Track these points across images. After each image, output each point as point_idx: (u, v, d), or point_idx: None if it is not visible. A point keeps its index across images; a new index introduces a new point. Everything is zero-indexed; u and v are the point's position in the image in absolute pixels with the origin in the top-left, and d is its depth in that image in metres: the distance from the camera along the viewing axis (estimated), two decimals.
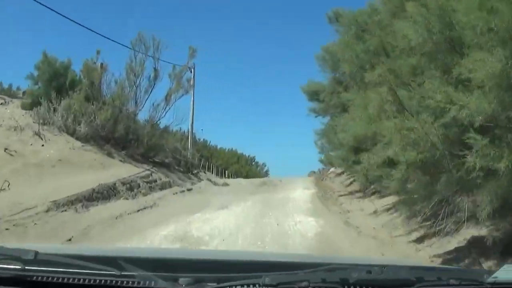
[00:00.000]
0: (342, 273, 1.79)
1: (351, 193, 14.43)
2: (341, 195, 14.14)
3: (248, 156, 74.68)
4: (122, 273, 1.74)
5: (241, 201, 13.99)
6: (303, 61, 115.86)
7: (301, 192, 16.01)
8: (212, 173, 53.46)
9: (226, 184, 22.85)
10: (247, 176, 68.68)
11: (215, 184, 22.65)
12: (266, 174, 76.97)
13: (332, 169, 22.65)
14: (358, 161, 11.55)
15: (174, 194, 16.88)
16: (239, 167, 68.06)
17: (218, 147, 70.53)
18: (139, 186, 18.80)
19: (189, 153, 40.21)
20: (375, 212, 10.73)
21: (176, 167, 24.99)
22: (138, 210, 13.08)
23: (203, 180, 24.72)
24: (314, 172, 34.91)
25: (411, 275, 1.83)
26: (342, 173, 20.20)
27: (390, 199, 10.67)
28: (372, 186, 12.91)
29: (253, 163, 75.16)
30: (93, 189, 15.62)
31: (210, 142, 67.22)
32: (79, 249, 3.48)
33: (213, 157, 64.34)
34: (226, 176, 57.80)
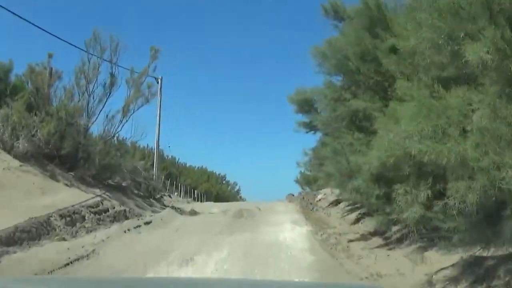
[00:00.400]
0: None
1: (364, 236, 10.48)
2: (351, 240, 10.24)
3: (219, 174, 70.61)
4: None
5: (214, 247, 10.01)
6: (278, 76, 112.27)
7: (291, 231, 12.11)
8: (180, 193, 49.31)
9: (194, 213, 18.82)
10: (217, 196, 64.76)
11: (181, 212, 18.57)
12: (237, 193, 73.34)
13: (320, 196, 18.86)
14: (386, 196, 7.75)
15: (126, 231, 12.80)
16: (209, 186, 64.06)
17: (188, 164, 66.44)
18: (84, 219, 14.67)
19: (154, 173, 36.43)
20: (430, 284, 6.72)
21: (136, 191, 20.83)
22: (67, 264, 9.00)
23: (167, 207, 20.61)
24: (292, 195, 31.06)
25: None
26: (337, 202, 16.44)
27: (447, 258, 6.81)
28: (395, 228, 9.13)
29: (224, 181, 71.10)
30: (16, 227, 11.65)
31: (178, 159, 63.05)
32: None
33: (181, 175, 60.29)
34: (195, 196, 53.66)
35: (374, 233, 10.18)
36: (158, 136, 36.75)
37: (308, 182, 48.42)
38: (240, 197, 74.55)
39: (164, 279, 5.58)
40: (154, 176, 35.18)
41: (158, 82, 36.79)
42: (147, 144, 56.34)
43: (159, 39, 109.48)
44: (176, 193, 46.78)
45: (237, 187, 73.23)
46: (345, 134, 9.89)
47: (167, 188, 46.38)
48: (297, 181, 51.49)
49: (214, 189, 64.32)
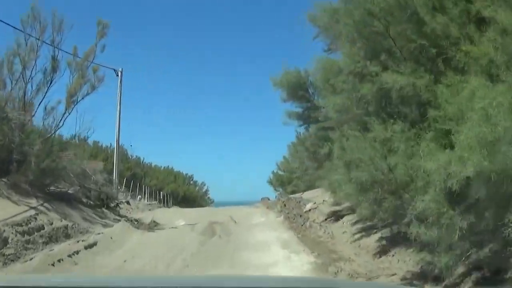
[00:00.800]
0: None
1: (406, 280, 6.73)
2: None
3: (186, 174, 66.70)
4: None
5: None
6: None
7: (286, 262, 8.42)
8: (145, 195, 45.32)
9: (154, 226, 15.20)
10: (184, 197, 60.89)
11: (138, 226, 14.92)
12: (205, 194, 69.59)
13: (310, 205, 15.29)
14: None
15: (53, 264, 9.12)
16: (176, 186, 60.19)
17: (153, 164, 62.42)
18: (6, 242, 10.96)
19: (114, 175, 32.59)
20: None
21: (85, 200, 17.02)
22: None
23: (123, 217, 16.90)
24: (268, 199, 27.57)
25: None
26: (338, 215, 13.13)
27: None
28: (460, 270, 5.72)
29: (192, 182, 67.22)
30: None
31: (144, 159, 58.98)
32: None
33: (147, 176, 56.24)
34: (161, 197, 49.72)
35: (421, 275, 6.60)
36: (118, 134, 32.88)
37: (282, 183, 45.16)
38: (209, 197, 70.93)
39: (165, 278, 4.95)
40: (115, 179, 31.46)
41: (118, 75, 33.03)
42: (110, 144, 52.44)
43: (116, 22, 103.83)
44: (139, 196, 42.77)
45: (205, 188, 69.52)
46: (375, 125, 6.42)
47: (130, 190, 42.47)
48: (270, 182, 48.15)
49: (181, 190, 60.46)
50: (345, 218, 11.87)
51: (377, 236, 9.05)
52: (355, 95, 6.93)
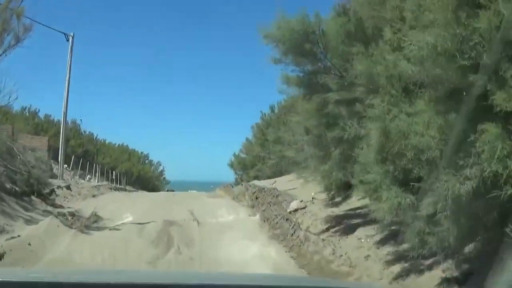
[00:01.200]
0: None
1: None
2: None
3: (142, 153, 62.64)
4: None
5: None
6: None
7: None
8: (96, 175, 41.33)
9: (94, 222, 11.77)
10: (138, 177, 56.93)
11: (71, 223, 11.39)
12: (161, 174, 65.76)
13: (295, 204, 11.77)
14: None
15: None
16: (131, 165, 56.19)
17: (107, 142, 58.10)
18: None
19: (60, 152, 28.72)
20: None
21: (9, 186, 13.33)
22: None
23: (56, 210, 13.27)
24: (232, 186, 24.34)
25: None
26: (346, 225, 8.84)
27: None
28: None
29: (147, 161, 63.22)
30: None
31: (97, 135, 54.64)
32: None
33: (100, 153, 51.99)
34: (113, 177, 45.77)
35: None
36: (66, 106, 28.89)
37: (244, 166, 41.82)
38: (164, 178, 67.13)
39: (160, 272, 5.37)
40: (60, 157, 27.56)
41: (68, 40, 29.02)
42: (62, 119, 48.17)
43: None
44: (89, 176, 38.86)
45: (160, 168, 65.67)
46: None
47: (79, 169, 38.37)
48: (230, 165, 44.76)
49: (136, 169, 56.55)
50: (360, 231, 8.32)
51: (436, 273, 5.60)
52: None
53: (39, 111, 46.28)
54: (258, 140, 37.25)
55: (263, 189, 16.24)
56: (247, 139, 41.11)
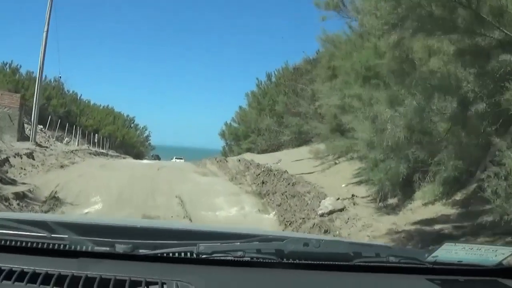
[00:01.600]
0: (278, 245, 1.67)
1: None
2: None
3: (127, 116, 58.99)
4: (53, 235, 1.60)
5: None
6: None
7: None
8: (77, 137, 37.87)
9: (51, 209, 8.60)
10: (123, 141, 53.44)
11: (20, 209, 8.18)
12: (147, 139, 62.32)
13: (328, 202, 8.36)
14: None
15: None
16: (115, 129, 52.72)
17: (92, 103, 54.26)
18: None
19: (33, 111, 25.14)
20: None
21: None
22: None
23: (4, 187, 9.98)
24: (226, 160, 21.20)
25: (349, 250, 1.71)
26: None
27: None
28: None
29: (132, 125, 59.64)
30: None
31: (81, 95, 50.93)
32: (7, 215, 2.93)
33: (83, 114, 48.34)
34: (95, 141, 42.38)
35: None
36: (43, 60, 25.04)
37: (237, 137, 38.33)
38: (149, 144, 63.75)
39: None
40: (34, 116, 23.83)
41: None
42: (46, 76, 44.22)
43: None
44: (67, 139, 35.35)
45: (146, 133, 62.17)
46: None
47: (56, 130, 34.74)
48: (221, 135, 41.40)
49: (120, 133, 53.08)
50: None
51: None
52: None
53: (20, 67, 41.67)
54: (253, 109, 33.90)
55: (270, 170, 12.98)
56: (240, 107, 37.72)
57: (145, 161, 26.79)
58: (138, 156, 51.70)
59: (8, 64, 41.06)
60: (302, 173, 11.91)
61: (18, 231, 1.60)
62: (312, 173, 11.42)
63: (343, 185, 9.09)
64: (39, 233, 1.60)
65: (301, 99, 18.36)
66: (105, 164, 18.18)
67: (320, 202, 8.27)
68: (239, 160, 18.33)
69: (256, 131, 31.29)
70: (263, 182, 12.06)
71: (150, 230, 2.01)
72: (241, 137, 34.97)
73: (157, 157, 55.99)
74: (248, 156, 27.38)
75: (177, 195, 10.59)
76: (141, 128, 61.14)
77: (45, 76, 43.63)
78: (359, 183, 8.59)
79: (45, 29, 25.39)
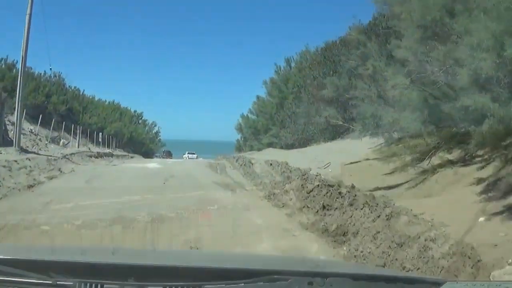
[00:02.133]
0: (281, 285, 1.66)
1: None
2: None
3: (135, 112, 54.56)
4: (58, 282, 1.62)
5: None
6: None
7: None
8: (77, 137, 33.53)
9: None
10: (130, 139, 48.98)
11: None
12: (156, 136, 57.91)
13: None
14: None
15: None
16: (122, 125, 48.32)
17: (96, 98, 49.89)
18: None
19: (16, 106, 20.60)
20: None
21: None
22: None
23: None
24: (234, 158, 16.84)
25: None
26: None
27: None
28: None
29: (140, 121, 55.23)
30: None
31: (84, 91, 46.53)
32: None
33: (86, 112, 43.96)
34: (100, 140, 38.03)
35: None
36: (26, 47, 20.48)
37: (256, 131, 33.51)
38: (159, 140, 59.33)
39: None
40: (17, 112, 19.18)
41: None
42: (44, 71, 39.89)
43: None
44: (63, 140, 30.74)
45: (156, 128, 57.71)
46: None
47: (51, 130, 30.17)
48: (238, 128, 36.77)
49: (127, 130, 48.68)
50: None
51: None
52: None
53: (16, 62, 37.11)
54: (273, 98, 29.24)
55: (331, 186, 8.34)
56: (258, 97, 33.00)
57: (151, 164, 22.19)
58: (147, 154, 47.41)
59: (3, 60, 36.56)
60: (377, 188, 7.36)
61: (21, 278, 1.55)
62: (392, 187, 6.98)
63: (481, 219, 4.67)
64: (43, 280, 1.58)
65: (358, 79, 13.54)
66: (94, 177, 13.62)
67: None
68: (271, 164, 13.76)
69: (280, 124, 26.67)
70: (324, 207, 7.47)
71: (158, 269, 1.93)
72: (260, 131, 30.33)
73: (169, 154, 51.81)
74: (271, 152, 22.79)
75: (191, 241, 6.16)
76: (149, 124, 56.74)
77: (44, 71, 39.40)
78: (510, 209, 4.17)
79: (28, 11, 21.00)
